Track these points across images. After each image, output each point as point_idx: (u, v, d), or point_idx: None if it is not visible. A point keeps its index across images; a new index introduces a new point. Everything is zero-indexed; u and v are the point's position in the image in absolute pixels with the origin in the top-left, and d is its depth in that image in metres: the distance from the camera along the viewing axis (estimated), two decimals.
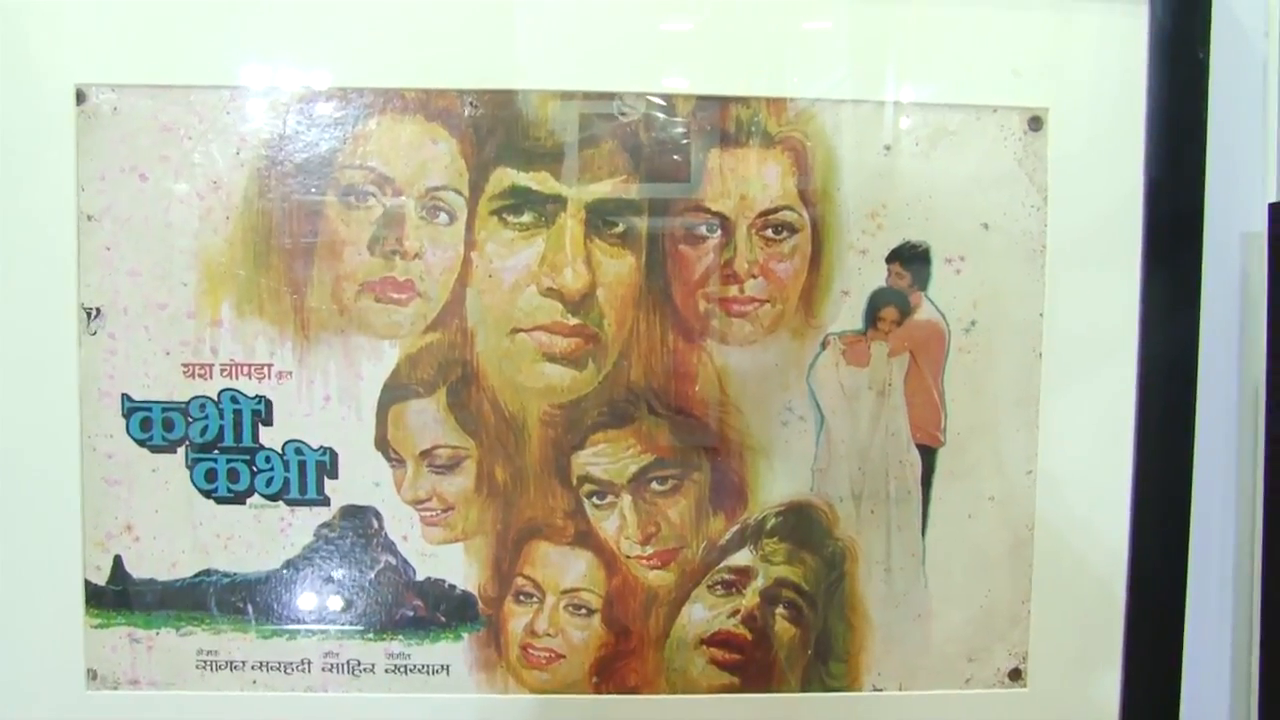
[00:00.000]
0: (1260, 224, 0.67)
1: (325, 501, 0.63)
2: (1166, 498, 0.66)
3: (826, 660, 0.65)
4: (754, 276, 0.63)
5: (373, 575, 0.64)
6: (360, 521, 0.63)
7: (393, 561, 0.63)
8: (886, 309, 0.64)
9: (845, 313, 0.64)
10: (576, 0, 0.62)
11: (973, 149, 0.64)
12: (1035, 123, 0.64)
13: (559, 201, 0.62)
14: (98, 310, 0.62)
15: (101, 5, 0.62)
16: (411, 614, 0.64)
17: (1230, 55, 0.67)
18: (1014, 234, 0.64)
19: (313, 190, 0.62)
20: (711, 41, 0.63)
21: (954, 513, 0.65)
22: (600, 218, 0.62)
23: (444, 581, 0.64)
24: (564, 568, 0.64)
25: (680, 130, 0.62)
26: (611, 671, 0.65)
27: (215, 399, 0.63)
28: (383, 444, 0.63)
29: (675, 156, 0.62)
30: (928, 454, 0.65)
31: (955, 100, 0.64)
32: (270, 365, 0.63)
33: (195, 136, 0.62)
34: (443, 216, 0.62)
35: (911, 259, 0.64)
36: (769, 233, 0.63)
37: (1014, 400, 0.65)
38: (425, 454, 0.63)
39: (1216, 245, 0.67)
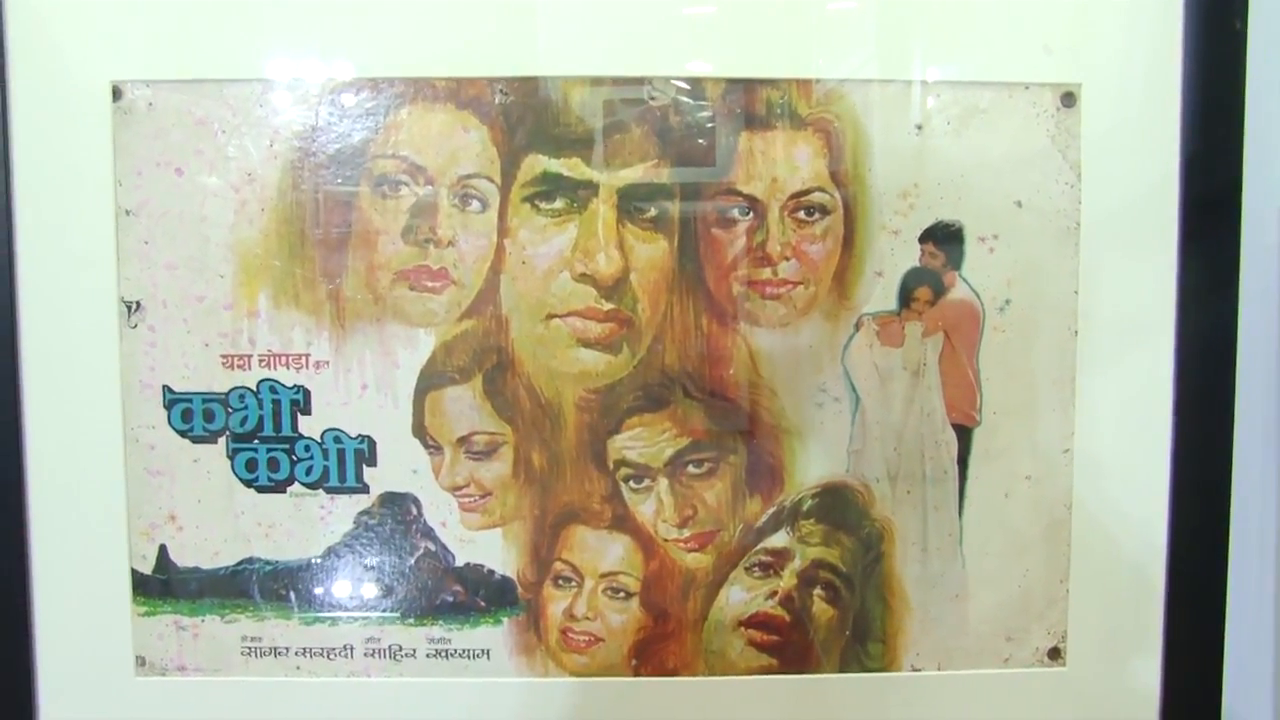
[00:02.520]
0: None
1: (364, 489, 0.64)
2: (1205, 477, 0.65)
3: (864, 641, 0.66)
4: (786, 259, 0.63)
5: (412, 561, 0.64)
6: (399, 508, 0.64)
7: (432, 548, 0.64)
8: (920, 289, 0.64)
9: (879, 293, 0.64)
10: None
11: (1005, 127, 0.64)
12: (1068, 99, 0.64)
13: (590, 187, 0.62)
14: (137, 304, 0.63)
15: (135, 2, 0.62)
16: (451, 599, 0.64)
17: (1268, 25, 0.66)
18: (1048, 212, 0.64)
19: (346, 181, 0.62)
20: (738, 23, 0.63)
21: (990, 493, 0.65)
22: (632, 203, 0.62)
23: (483, 567, 0.64)
24: (602, 552, 0.64)
25: (709, 114, 0.62)
26: (650, 654, 0.65)
27: (254, 389, 0.63)
28: (420, 431, 0.63)
29: (705, 140, 0.62)
30: (963, 434, 0.65)
31: (986, 78, 0.64)
32: (307, 355, 0.63)
33: (229, 130, 0.63)
34: (475, 204, 0.62)
35: (944, 238, 0.63)
36: (801, 215, 0.63)
37: (1050, 379, 0.65)
38: (462, 440, 0.63)
39: (1254, 221, 0.66)
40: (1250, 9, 0.64)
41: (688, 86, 0.62)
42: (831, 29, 0.63)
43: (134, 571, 0.64)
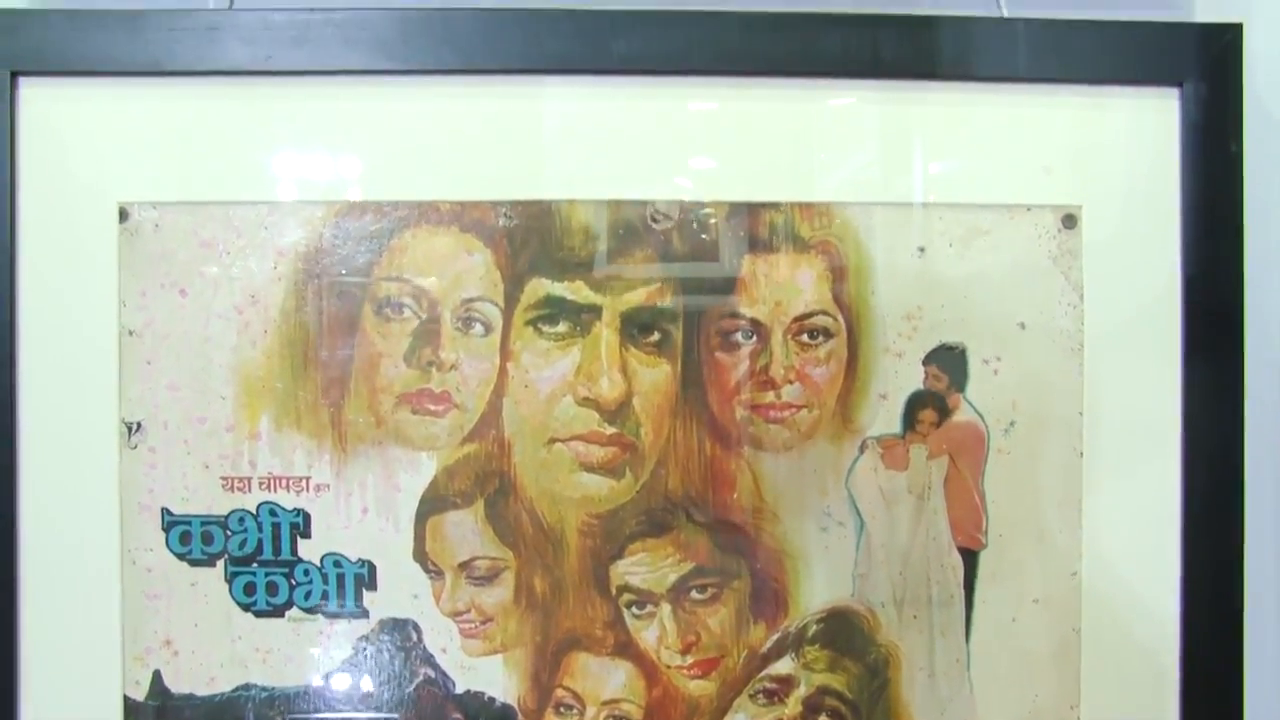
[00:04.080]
0: None
1: (364, 614, 0.63)
2: (1217, 596, 0.65)
3: None
4: (790, 382, 0.63)
5: (412, 688, 0.63)
6: (399, 634, 0.63)
7: (432, 674, 0.63)
8: (924, 411, 0.63)
9: (883, 416, 0.63)
10: (606, 111, 0.63)
11: (1007, 248, 0.64)
12: (1069, 220, 0.64)
13: (594, 311, 0.62)
14: (138, 424, 0.63)
15: (143, 125, 0.63)
16: None
17: (1263, 146, 0.67)
18: (1051, 332, 0.64)
19: (349, 303, 0.63)
20: (742, 148, 0.63)
21: (998, 616, 0.64)
22: (635, 326, 0.62)
23: (484, 694, 0.63)
24: (604, 679, 0.63)
25: (713, 237, 0.63)
26: None
27: (254, 512, 0.63)
28: (421, 556, 0.63)
29: (709, 263, 0.63)
30: (969, 557, 0.64)
31: (988, 200, 0.64)
32: (308, 478, 0.63)
33: (234, 252, 0.63)
34: (478, 328, 0.62)
35: (948, 360, 0.63)
36: (804, 338, 0.63)
37: (1056, 500, 0.64)
38: (464, 566, 0.63)
39: (1257, 336, 0.66)
40: (1245, 130, 0.65)
41: (692, 209, 0.63)
42: (833, 152, 0.64)
43: (126, 698, 0.63)
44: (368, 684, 0.63)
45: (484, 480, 0.62)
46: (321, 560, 0.63)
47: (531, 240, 0.62)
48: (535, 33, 0.62)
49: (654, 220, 0.63)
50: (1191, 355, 0.65)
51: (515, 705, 0.63)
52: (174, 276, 0.63)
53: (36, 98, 0.63)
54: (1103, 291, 0.64)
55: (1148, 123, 0.65)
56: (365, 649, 0.63)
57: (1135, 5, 0.67)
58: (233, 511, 0.63)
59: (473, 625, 0.63)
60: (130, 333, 0.63)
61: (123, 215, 0.63)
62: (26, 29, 0.63)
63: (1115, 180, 0.65)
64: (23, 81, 0.63)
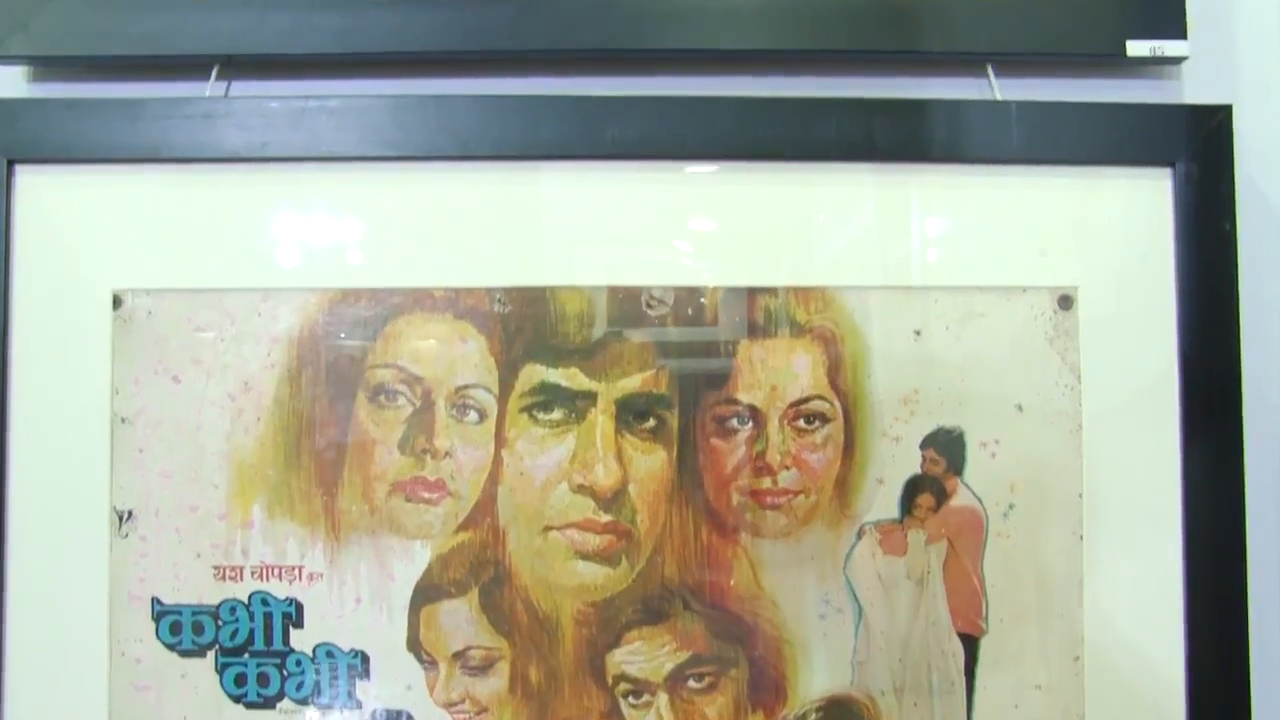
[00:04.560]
0: None
1: (357, 705, 0.62)
2: (1224, 679, 0.64)
3: None
4: (787, 468, 0.62)
5: None
6: None
7: None
8: (922, 496, 0.63)
9: (880, 501, 0.63)
10: (601, 197, 0.63)
11: (1003, 330, 0.64)
12: (1065, 301, 0.64)
13: (589, 397, 0.62)
14: (129, 513, 0.62)
15: (138, 211, 0.63)
16: None
17: (1257, 224, 0.67)
18: (1049, 414, 0.64)
19: (343, 390, 0.62)
20: (737, 232, 0.63)
21: (1000, 703, 0.63)
22: (631, 413, 0.62)
23: None
24: None
25: (708, 322, 0.63)
26: None
27: (246, 602, 0.62)
28: (415, 646, 0.62)
29: (704, 348, 0.62)
30: (970, 643, 0.63)
31: (983, 282, 0.64)
32: (301, 567, 0.62)
33: (228, 339, 0.63)
34: (472, 415, 0.62)
35: (946, 444, 0.63)
36: (801, 423, 0.62)
37: (1057, 584, 0.63)
38: (458, 655, 0.62)
39: (1256, 414, 0.66)
40: (1238, 209, 0.65)
41: (687, 295, 0.63)
42: (829, 236, 0.64)
43: None
44: None
45: (478, 569, 0.62)
46: (314, 650, 0.62)
47: (526, 326, 0.62)
48: (530, 118, 0.63)
49: (649, 305, 0.62)
50: (1191, 435, 0.64)
51: None
52: (167, 363, 0.63)
53: (32, 185, 0.63)
54: (1100, 372, 0.64)
55: (1141, 203, 0.65)
56: None
57: (1126, 88, 0.67)
58: (224, 601, 0.62)
59: (468, 716, 0.62)
60: (123, 420, 0.62)
61: (116, 302, 0.63)
62: (24, 117, 0.63)
63: (1110, 261, 0.65)
64: (19, 169, 0.63)
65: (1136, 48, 0.65)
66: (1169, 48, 0.65)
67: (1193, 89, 0.67)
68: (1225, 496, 0.64)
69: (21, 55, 0.64)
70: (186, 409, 0.63)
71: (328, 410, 0.62)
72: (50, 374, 0.63)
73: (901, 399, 0.63)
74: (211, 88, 0.65)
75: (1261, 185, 0.68)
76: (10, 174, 0.63)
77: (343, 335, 0.62)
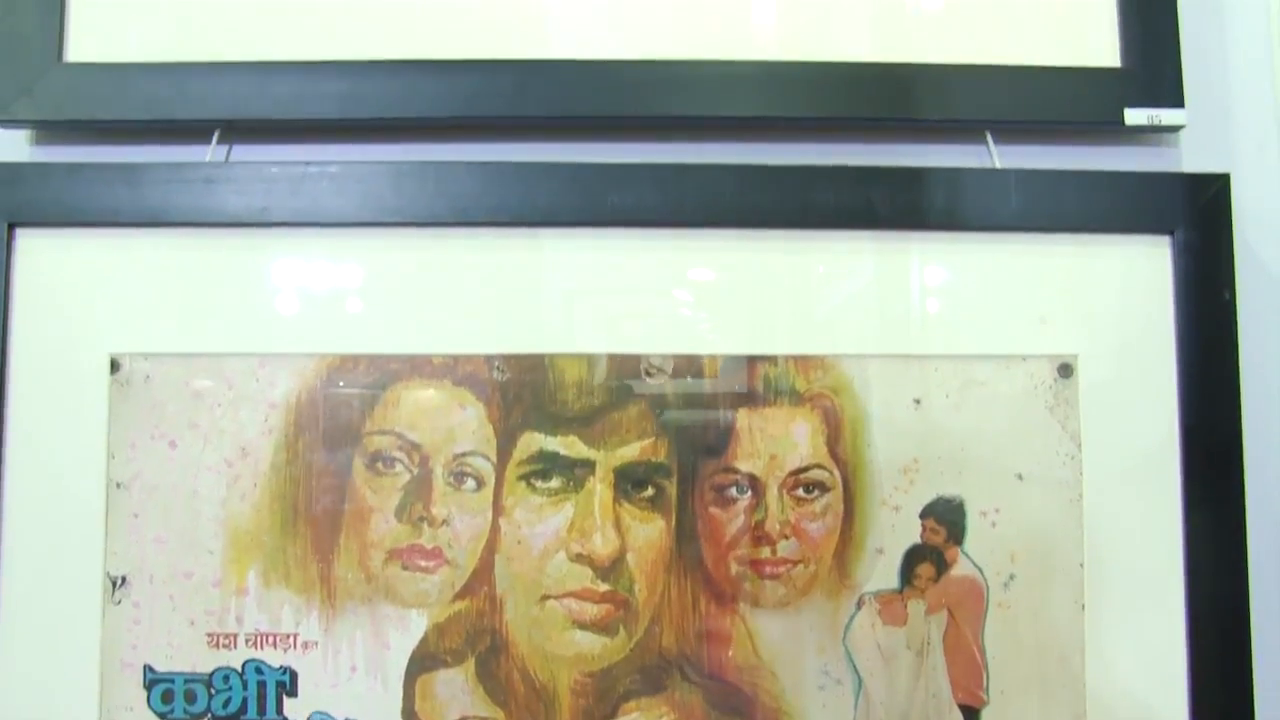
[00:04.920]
0: None
1: None
2: None
3: None
4: (786, 537, 0.62)
5: None
6: None
7: None
8: (922, 566, 0.62)
9: (880, 571, 0.62)
10: (599, 264, 0.63)
11: (1003, 399, 0.64)
12: (1065, 370, 0.64)
13: (587, 466, 0.62)
14: (123, 579, 0.62)
15: (137, 275, 0.63)
16: None
17: (1256, 293, 0.67)
18: (1049, 483, 0.63)
19: (340, 456, 0.62)
20: (736, 300, 0.63)
21: None
22: (629, 481, 0.62)
23: None
24: None
25: (707, 390, 0.62)
26: None
27: (239, 670, 0.61)
28: (410, 715, 0.61)
29: (703, 417, 0.62)
30: (971, 714, 0.62)
31: (983, 351, 0.64)
32: (296, 635, 0.62)
33: (225, 404, 0.62)
34: (470, 483, 0.62)
35: (946, 513, 0.63)
36: (800, 492, 0.62)
37: (1059, 654, 0.63)
38: None
39: (1257, 483, 0.65)
40: (1237, 278, 0.65)
41: (686, 363, 0.62)
42: (828, 304, 0.64)
43: None
44: None
45: (475, 638, 0.61)
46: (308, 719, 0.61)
47: (524, 394, 0.62)
48: (529, 186, 0.63)
49: (648, 373, 0.62)
50: (1193, 503, 0.64)
51: None
52: (164, 428, 0.62)
53: (33, 248, 0.63)
54: (1101, 441, 0.64)
55: (1141, 271, 0.65)
56: None
57: (1124, 155, 0.67)
58: (217, 669, 0.62)
59: None
60: (118, 485, 0.62)
61: (114, 366, 0.63)
62: (26, 180, 0.64)
63: (1110, 329, 0.65)
64: (20, 232, 0.63)
65: (1134, 116, 0.65)
66: (1166, 116, 0.65)
67: (1190, 157, 0.68)
68: (1228, 565, 0.64)
69: (26, 119, 0.65)
70: (182, 474, 0.62)
71: (324, 477, 0.62)
72: (46, 437, 0.63)
73: (901, 468, 0.63)
74: (213, 152, 0.65)
75: (1260, 253, 0.68)
76: (11, 237, 0.63)
77: (340, 400, 0.62)
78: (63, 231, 0.64)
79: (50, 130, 0.66)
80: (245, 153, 0.66)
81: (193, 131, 0.65)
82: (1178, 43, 0.66)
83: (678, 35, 0.65)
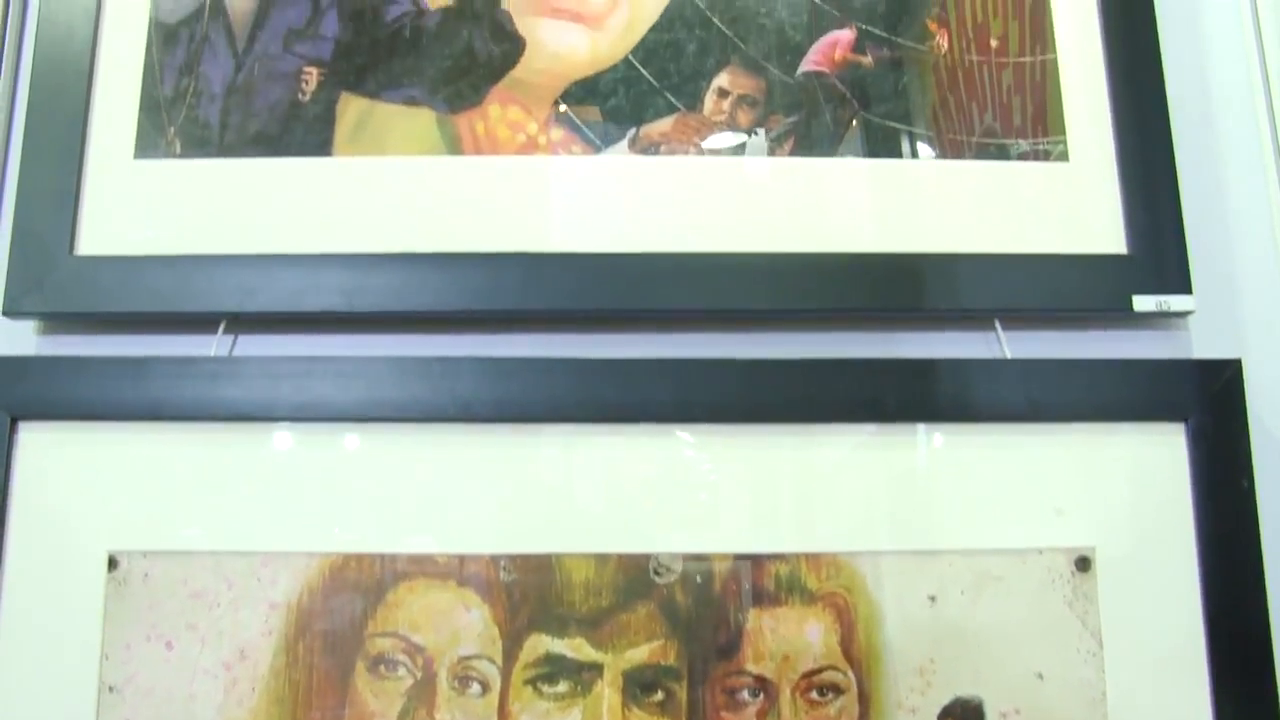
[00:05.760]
0: None
1: None
2: None
3: None
4: None
5: None
6: None
7: None
8: None
9: None
10: (607, 461, 0.63)
11: (1020, 594, 0.62)
12: (1083, 562, 0.63)
13: (595, 669, 0.60)
14: None
15: (138, 471, 0.62)
16: None
17: (1275, 478, 0.66)
18: (1071, 682, 0.61)
19: (341, 660, 0.60)
20: (745, 496, 0.62)
21: None
22: (638, 685, 0.60)
23: None
24: None
25: (717, 590, 0.61)
26: None
27: None
28: None
29: (713, 618, 0.61)
30: None
31: (998, 545, 0.63)
32: None
33: (224, 604, 0.61)
34: (475, 687, 0.60)
35: (965, 715, 0.61)
36: (813, 695, 0.60)
37: None
38: None
39: None
40: (1255, 463, 0.64)
41: (694, 563, 0.61)
42: (838, 500, 0.63)
43: None
44: None
45: None
46: None
47: (531, 595, 0.60)
48: (534, 381, 0.63)
49: (656, 573, 0.61)
50: (1222, 700, 0.62)
51: None
52: (161, 629, 0.61)
53: (34, 442, 0.63)
54: (1122, 636, 0.62)
55: (1156, 459, 0.64)
56: None
57: (1134, 341, 0.67)
58: None
59: None
60: (110, 689, 0.60)
61: (112, 564, 0.61)
62: (30, 375, 0.63)
63: (1127, 519, 0.64)
64: (22, 425, 0.63)
65: (1143, 303, 0.65)
66: (1175, 302, 0.65)
67: (1200, 342, 0.67)
68: None
69: (34, 312, 0.65)
70: (178, 678, 0.60)
71: (325, 681, 0.60)
72: (38, 636, 0.61)
73: (917, 668, 0.61)
74: (218, 342, 0.65)
75: (1277, 436, 0.67)
76: (13, 431, 0.63)
77: (342, 601, 0.61)
78: (66, 425, 0.63)
79: (58, 322, 0.66)
80: (251, 343, 0.65)
81: (199, 323, 0.65)
82: (1182, 229, 0.66)
83: (681, 228, 0.65)
